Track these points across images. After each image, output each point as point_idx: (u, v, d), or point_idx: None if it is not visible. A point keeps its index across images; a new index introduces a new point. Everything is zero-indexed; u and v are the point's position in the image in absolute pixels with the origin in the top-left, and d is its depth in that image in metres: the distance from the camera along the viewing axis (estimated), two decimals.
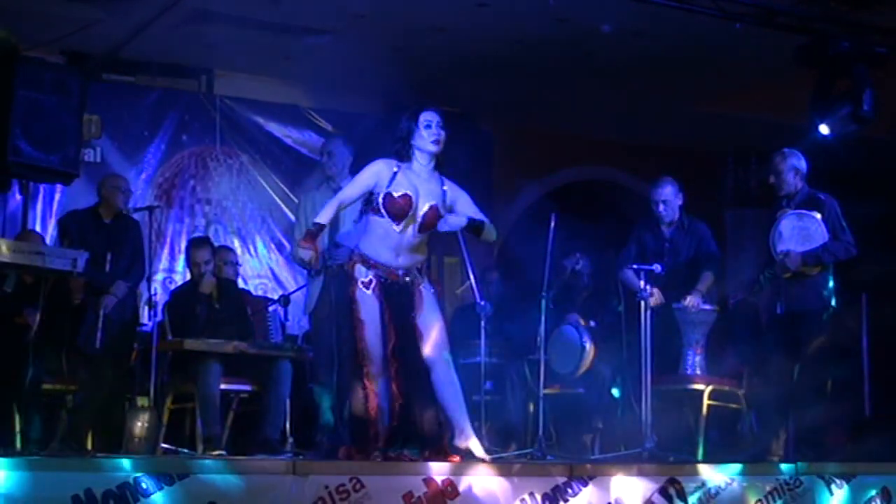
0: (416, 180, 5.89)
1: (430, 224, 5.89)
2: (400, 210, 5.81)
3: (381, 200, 5.82)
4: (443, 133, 5.92)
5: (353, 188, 5.96)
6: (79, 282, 7.07)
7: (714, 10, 7.60)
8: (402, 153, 5.93)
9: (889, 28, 7.99)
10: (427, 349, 5.84)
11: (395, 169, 5.87)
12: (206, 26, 8.61)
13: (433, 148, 5.91)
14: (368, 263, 5.84)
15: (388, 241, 5.86)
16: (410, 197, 5.83)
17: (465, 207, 6.03)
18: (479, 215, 6.02)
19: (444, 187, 5.99)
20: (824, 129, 7.91)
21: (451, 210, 5.97)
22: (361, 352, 5.75)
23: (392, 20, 8.49)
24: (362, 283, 5.81)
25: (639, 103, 9.76)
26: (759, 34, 7.93)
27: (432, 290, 5.97)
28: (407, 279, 5.89)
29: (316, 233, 5.93)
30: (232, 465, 5.11)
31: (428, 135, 5.90)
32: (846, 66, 7.77)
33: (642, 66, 9.15)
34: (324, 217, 5.92)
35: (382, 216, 5.83)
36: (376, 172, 5.88)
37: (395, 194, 5.81)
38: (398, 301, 5.85)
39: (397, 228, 5.84)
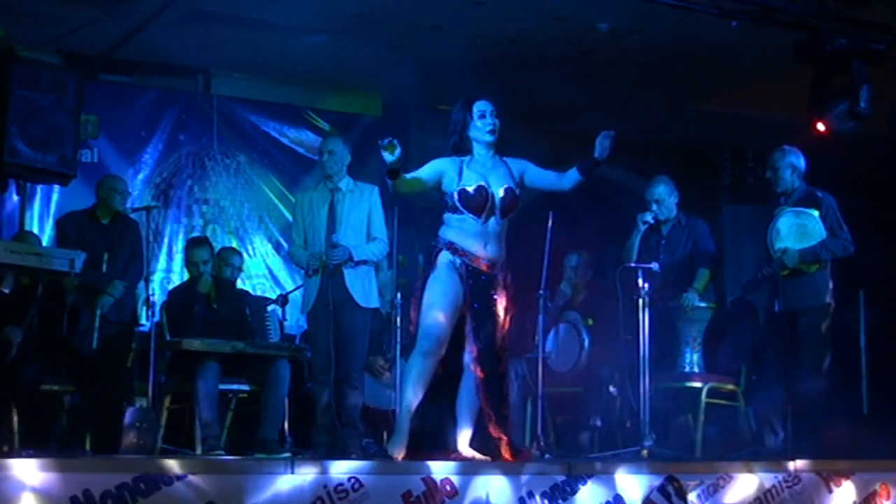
0: (483, 170, 5.89)
1: (510, 208, 5.89)
2: (477, 203, 5.80)
3: (456, 197, 5.81)
4: (498, 122, 5.95)
5: (425, 172, 5.86)
6: (70, 283, 7.06)
7: (711, 7, 7.59)
8: (460, 146, 5.93)
9: (886, 25, 7.98)
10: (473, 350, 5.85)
11: (460, 164, 5.86)
12: (203, 26, 8.61)
13: (489, 138, 5.93)
14: (455, 250, 5.81)
15: (472, 234, 5.83)
16: (485, 187, 5.83)
17: (536, 173, 6.04)
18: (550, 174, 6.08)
19: (510, 168, 5.98)
20: (821, 126, 7.90)
21: (523, 185, 5.99)
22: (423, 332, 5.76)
23: (389, 19, 8.49)
24: (447, 265, 5.77)
25: (636, 101, 9.76)
26: (756, 31, 7.93)
27: (506, 293, 5.94)
28: (492, 272, 5.88)
29: (394, 174, 5.65)
30: (230, 465, 5.11)
31: (483, 125, 5.92)
32: (843, 62, 7.76)
33: (639, 64, 9.15)
34: (407, 176, 5.77)
35: (462, 213, 5.83)
36: (439, 169, 5.85)
37: (469, 189, 5.81)
38: (482, 290, 5.82)
39: (480, 220, 5.83)
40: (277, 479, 4.84)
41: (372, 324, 7.31)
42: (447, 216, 5.90)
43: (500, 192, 5.88)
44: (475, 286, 5.81)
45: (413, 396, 5.74)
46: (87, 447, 7.07)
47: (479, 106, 5.94)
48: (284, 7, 8.28)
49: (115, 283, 7.40)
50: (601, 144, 5.83)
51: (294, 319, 8.67)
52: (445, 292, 5.77)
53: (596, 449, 7.52)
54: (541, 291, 7.11)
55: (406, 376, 5.81)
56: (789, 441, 7.25)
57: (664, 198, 7.62)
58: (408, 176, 5.79)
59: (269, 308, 8.41)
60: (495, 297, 5.89)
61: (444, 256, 5.82)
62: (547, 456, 6.71)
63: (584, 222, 8.44)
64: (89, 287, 7.29)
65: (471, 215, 5.83)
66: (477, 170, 5.89)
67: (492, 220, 5.86)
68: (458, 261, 5.80)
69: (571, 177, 5.99)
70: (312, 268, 7.05)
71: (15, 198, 8.92)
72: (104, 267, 7.45)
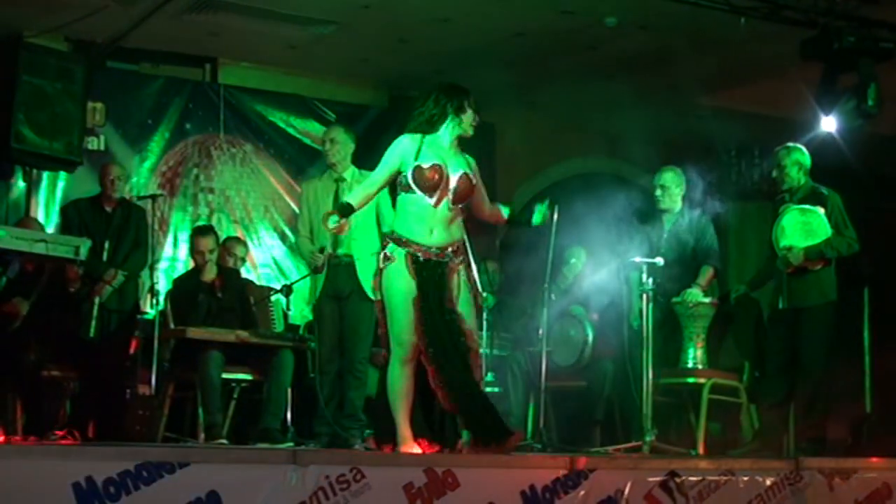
0: (442, 153, 5.71)
1: (463, 194, 5.71)
2: (431, 182, 5.62)
3: (411, 174, 5.63)
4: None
5: (382, 171, 5.75)
6: (75, 271, 7.08)
7: (720, 3, 7.59)
8: (435, 121, 5.72)
9: (895, 23, 7.97)
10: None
11: (421, 142, 5.69)
12: (211, 15, 8.61)
13: (470, 132, 5.78)
14: (400, 242, 5.63)
15: (421, 217, 5.64)
16: (441, 167, 5.66)
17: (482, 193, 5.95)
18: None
19: (469, 161, 5.83)
20: (829, 123, 7.89)
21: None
22: (387, 335, 5.68)
23: (396, 10, 8.49)
24: (390, 258, 5.62)
25: (643, 96, 9.74)
26: (764, 28, 7.92)
27: (467, 277, 5.74)
28: (442, 259, 5.66)
29: (346, 211, 5.69)
30: (233, 454, 5.12)
31: (471, 130, 5.78)
32: (851, 60, 7.75)
33: (646, 59, 9.14)
34: (353, 198, 5.79)
35: (414, 192, 5.65)
36: (401, 151, 5.68)
37: (425, 166, 5.63)
38: (431, 279, 5.62)
39: (431, 201, 5.64)
40: (279, 468, 4.85)
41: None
42: (399, 198, 5.73)
43: (455, 176, 5.70)
44: (424, 277, 5.61)
45: (406, 404, 5.66)
46: (91, 434, 7.09)
47: (475, 116, 5.79)
48: None
49: (116, 273, 7.40)
50: (540, 211, 6.15)
51: (298, 310, 8.67)
52: (399, 292, 5.60)
53: (598, 444, 7.53)
54: (545, 285, 7.12)
55: (393, 388, 5.67)
56: (792, 438, 7.25)
57: (669, 186, 7.60)
58: (355, 204, 5.76)
59: (274, 298, 8.43)
60: (448, 284, 5.66)
61: (391, 249, 5.65)
62: (549, 450, 6.72)
63: (588, 217, 8.43)
64: (90, 275, 7.29)
65: (423, 194, 5.65)
66: (436, 151, 5.71)
67: (444, 203, 5.67)
68: (402, 252, 5.62)
69: (496, 213, 6.05)
70: (314, 265, 7.06)
71: (21, 184, 8.93)
72: (105, 255, 7.46)
